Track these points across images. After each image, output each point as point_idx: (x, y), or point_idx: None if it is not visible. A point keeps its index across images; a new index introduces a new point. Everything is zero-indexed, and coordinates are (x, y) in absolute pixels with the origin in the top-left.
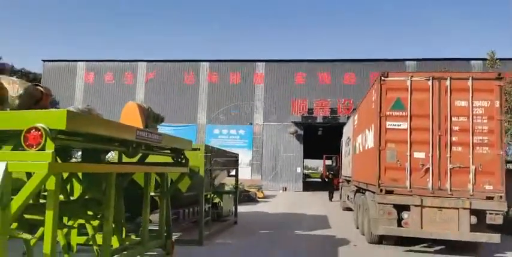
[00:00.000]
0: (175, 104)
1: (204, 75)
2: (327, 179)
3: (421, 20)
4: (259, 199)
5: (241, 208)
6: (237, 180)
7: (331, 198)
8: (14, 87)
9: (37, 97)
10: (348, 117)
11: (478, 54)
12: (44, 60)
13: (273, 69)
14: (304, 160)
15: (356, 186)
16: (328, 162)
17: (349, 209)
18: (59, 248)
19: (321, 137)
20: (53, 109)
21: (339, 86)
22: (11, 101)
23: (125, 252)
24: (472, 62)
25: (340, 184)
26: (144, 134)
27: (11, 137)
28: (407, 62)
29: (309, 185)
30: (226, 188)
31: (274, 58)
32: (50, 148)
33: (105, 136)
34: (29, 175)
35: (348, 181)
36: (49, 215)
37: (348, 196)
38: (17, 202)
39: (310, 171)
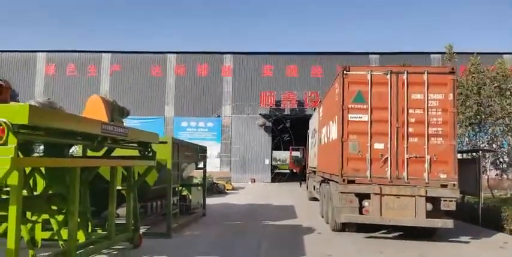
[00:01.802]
0: (141, 97)
1: (171, 67)
2: (294, 170)
3: (385, 15)
4: (228, 191)
5: (210, 200)
6: (205, 172)
7: (301, 184)
8: None
9: None
10: (314, 110)
11: (438, 48)
12: (1, 51)
13: (240, 62)
14: (273, 151)
15: (321, 176)
16: (296, 153)
17: (315, 199)
18: (23, 244)
19: (288, 129)
20: (14, 103)
21: (306, 79)
22: None
23: (91, 246)
24: (432, 55)
25: (307, 174)
26: (109, 128)
27: None
28: (370, 56)
29: (277, 177)
30: (195, 181)
31: (242, 50)
32: (13, 142)
33: (68, 130)
34: None
35: (314, 172)
36: (12, 211)
37: (314, 187)
38: None
39: (279, 163)
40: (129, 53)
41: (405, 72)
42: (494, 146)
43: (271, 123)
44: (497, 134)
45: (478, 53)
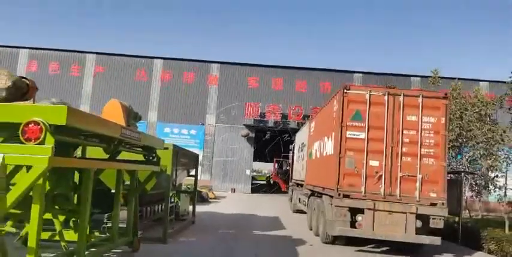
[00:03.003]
0: (125, 101)
1: (157, 72)
2: (271, 181)
3: (367, 36)
4: (210, 200)
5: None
6: (196, 180)
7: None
8: (2, 79)
9: (23, 90)
10: (299, 124)
11: (418, 71)
12: None
13: (227, 72)
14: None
15: (310, 190)
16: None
17: (300, 211)
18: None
19: (268, 141)
20: (44, 103)
21: (291, 93)
22: None
23: (93, 249)
24: (412, 78)
25: (290, 187)
26: (127, 132)
27: (1, 129)
28: (355, 74)
29: (256, 188)
30: (182, 188)
31: (229, 61)
32: (50, 142)
33: (93, 132)
34: None
35: (299, 185)
36: (35, 209)
37: (300, 199)
38: (13, 195)
39: (254, 173)
40: (114, 55)
41: (402, 94)
42: (471, 169)
43: (254, 134)
44: (475, 158)
45: (455, 78)
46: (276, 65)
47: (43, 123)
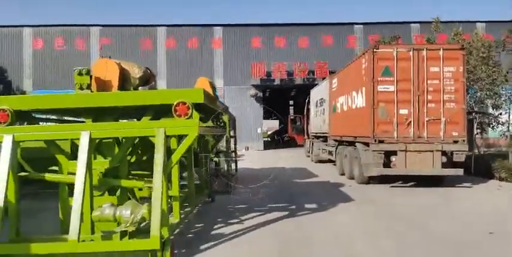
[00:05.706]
0: None
1: (161, 40)
2: (275, 137)
3: None
4: None
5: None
6: (235, 140)
7: None
8: (134, 70)
9: (148, 78)
10: (304, 80)
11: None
12: None
13: (230, 34)
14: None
15: (336, 140)
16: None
17: (322, 161)
18: None
19: (275, 99)
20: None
21: (294, 50)
22: (133, 81)
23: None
24: (411, 25)
25: (308, 140)
26: (220, 105)
27: (148, 109)
28: (355, 26)
29: (265, 144)
30: None
31: (231, 22)
32: (196, 117)
33: (211, 106)
34: None
35: (320, 137)
36: (175, 169)
37: (323, 149)
38: (176, 157)
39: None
40: (118, 26)
41: (424, 49)
42: (476, 109)
43: (262, 93)
44: (481, 98)
45: (453, 22)
46: (277, 23)
47: (189, 103)
